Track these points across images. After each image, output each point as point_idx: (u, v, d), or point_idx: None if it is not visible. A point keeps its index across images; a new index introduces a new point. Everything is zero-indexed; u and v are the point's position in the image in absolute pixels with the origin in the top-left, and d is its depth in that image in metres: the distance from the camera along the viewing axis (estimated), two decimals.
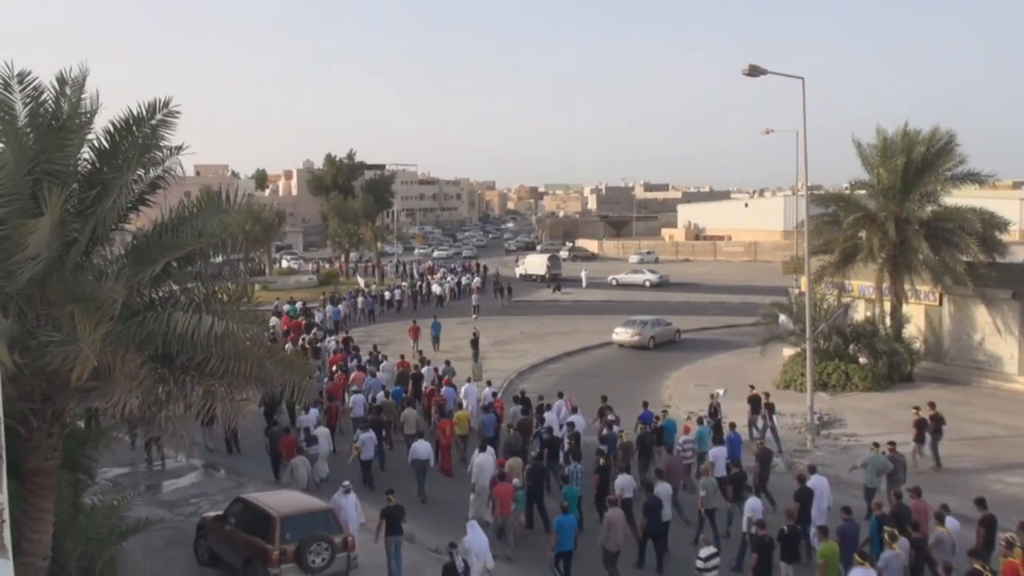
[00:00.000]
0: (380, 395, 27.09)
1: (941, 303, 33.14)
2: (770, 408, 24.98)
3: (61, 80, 12.96)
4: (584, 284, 69.55)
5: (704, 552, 14.97)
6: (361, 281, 68.96)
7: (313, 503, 16.93)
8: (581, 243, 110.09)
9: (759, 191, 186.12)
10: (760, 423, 25.11)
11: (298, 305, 48.93)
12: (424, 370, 30.29)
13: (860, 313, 34.51)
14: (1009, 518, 16.40)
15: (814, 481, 17.57)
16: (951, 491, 19.67)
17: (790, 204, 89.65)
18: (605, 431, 22.34)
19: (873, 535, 15.26)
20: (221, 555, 17.08)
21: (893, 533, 14.18)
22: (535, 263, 74.73)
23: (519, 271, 75.11)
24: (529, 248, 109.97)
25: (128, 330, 12.08)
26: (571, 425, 22.32)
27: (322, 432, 23.33)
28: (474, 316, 50.13)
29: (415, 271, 77.82)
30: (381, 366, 31.38)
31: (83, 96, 12.91)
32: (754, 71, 23.59)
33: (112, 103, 13.03)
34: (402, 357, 33.03)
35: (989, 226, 31.25)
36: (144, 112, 13.08)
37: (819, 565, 14.33)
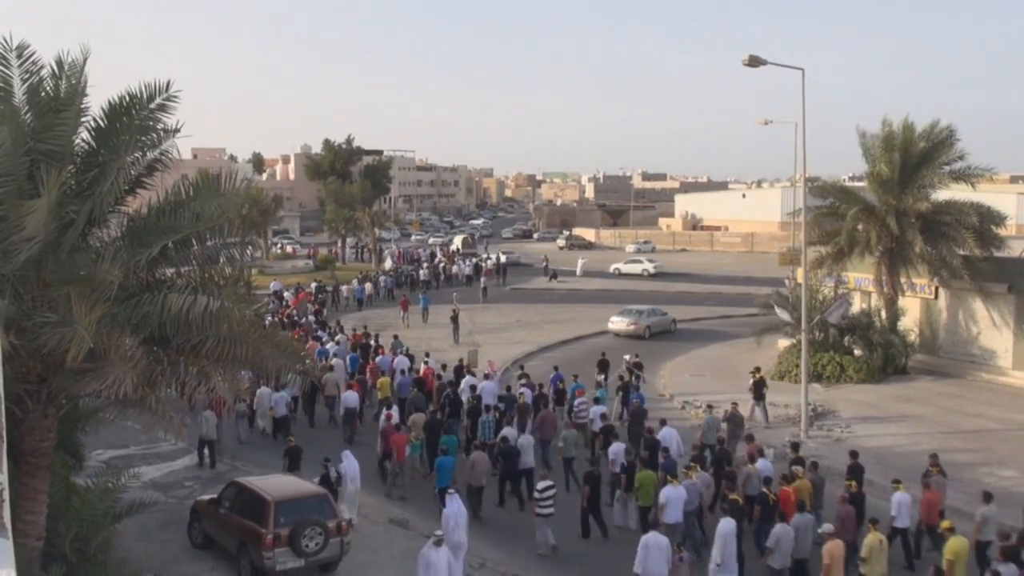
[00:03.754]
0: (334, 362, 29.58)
1: (937, 296, 33.19)
2: (635, 368, 29.66)
3: (60, 60, 12.89)
4: (579, 273, 69.88)
5: (541, 485, 17.45)
6: (389, 263, 72.29)
7: (308, 487, 16.96)
8: (578, 232, 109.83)
9: (757, 182, 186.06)
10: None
11: (315, 286, 53.50)
12: (371, 341, 33.90)
13: (856, 305, 34.55)
14: (1003, 513, 16.57)
15: (664, 433, 20.89)
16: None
17: (788, 195, 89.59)
18: (504, 392, 25.72)
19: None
20: (215, 538, 17.13)
21: (695, 468, 18.21)
22: (456, 241, 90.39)
23: (452, 248, 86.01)
24: (526, 236, 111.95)
25: (124, 312, 12.06)
26: (473, 388, 25.85)
27: (263, 392, 25.05)
28: (468, 299, 50.81)
29: (438, 253, 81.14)
30: (336, 338, 34.57)
31: (83, 77, 12.83)
32: (754, 61, 23.52)
33: (109, 84, 12.99)
34: (355, 330, 36.84)
35: (986, 220, 31.26)
36: (143, 95, 13.01)
37: (635, 489, 18.15)
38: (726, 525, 15.00)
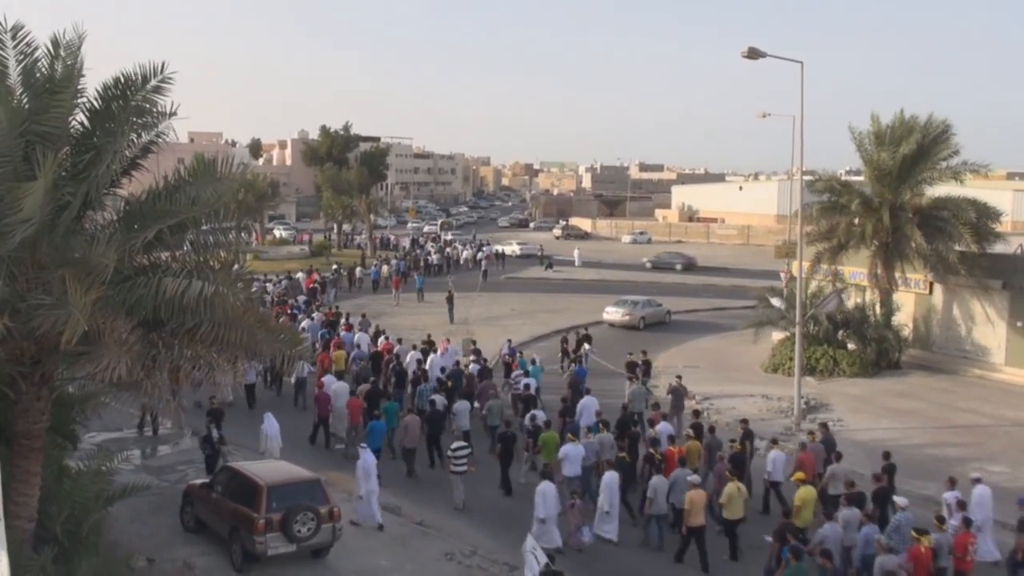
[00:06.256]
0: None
1: (931, 292, 33.25)
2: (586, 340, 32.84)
3: (56, 40, 12.79)
4: (577, 263, 69.97)
5: (455, 445, 19.65)
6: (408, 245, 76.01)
7: (300, 473, 16.98)
8: (575, 221, 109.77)
9: (754, 175, 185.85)
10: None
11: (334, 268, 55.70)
12: (342, 320, 36.19)
13: (850, 300, 34.58)
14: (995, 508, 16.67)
15: (584, 401, 23.03)
16: (933, 478, 19.82)
17: (784, 189, 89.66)
18: (451, 367, 27.51)
19: (594, 431, 21.11)
20: (207, 523, 17.14)
21: (599, 429, 20.65)
22: (437, 227, 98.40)
23: (435, 233, 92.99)
24: (523, 225, 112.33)
25: (119, 295, 12.00)
26: (420, 361, 27.69)
27: None
28: (469, 283, 51.46)
29: (434, 242, 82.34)
30: (313, 316, 37.15)
31: (79, 58, 12.75)
32: (753, 54, 23.52)
33: (105, 66, 12.89)
34: (329, 308, 40.17)
35: (983, 215, 31.31)
36: (139, 77, 12.92)
37: (538, 447, 20.35)
38: (609, 477, 17.52)
